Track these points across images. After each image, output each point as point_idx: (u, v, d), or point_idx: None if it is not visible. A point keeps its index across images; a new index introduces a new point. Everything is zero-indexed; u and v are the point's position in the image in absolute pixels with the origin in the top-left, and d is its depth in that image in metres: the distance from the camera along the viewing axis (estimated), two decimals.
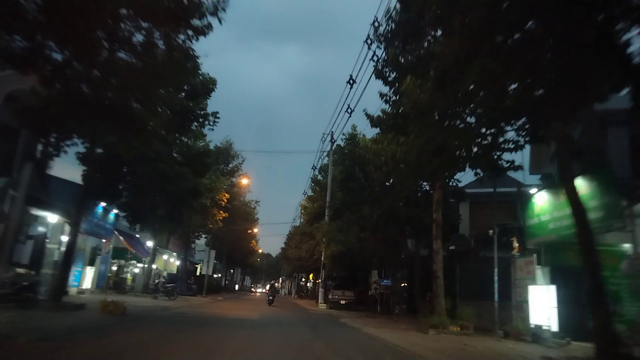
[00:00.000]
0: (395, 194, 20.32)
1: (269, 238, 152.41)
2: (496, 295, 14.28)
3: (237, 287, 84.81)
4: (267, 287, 55.52)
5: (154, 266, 34.39)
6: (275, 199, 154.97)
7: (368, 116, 16.86)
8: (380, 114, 16.59)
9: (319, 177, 35.06)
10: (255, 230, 66.71)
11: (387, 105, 16.57)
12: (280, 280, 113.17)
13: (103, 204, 21.20)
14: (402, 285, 29.85)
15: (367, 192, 22.56)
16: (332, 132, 31.89)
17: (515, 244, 14.34)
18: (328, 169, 34.04)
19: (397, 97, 15.83)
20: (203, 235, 47.13)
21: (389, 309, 28.07)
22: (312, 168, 35.55)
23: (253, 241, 66.47)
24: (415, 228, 22.40)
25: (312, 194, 35.43)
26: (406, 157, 14.09)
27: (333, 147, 30.52)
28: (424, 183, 19.89)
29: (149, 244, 25.74)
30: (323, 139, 32.92)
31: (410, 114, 13.25)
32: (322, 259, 31.92)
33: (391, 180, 17.32)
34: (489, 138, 14.03)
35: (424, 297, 22.57)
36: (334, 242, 28.22)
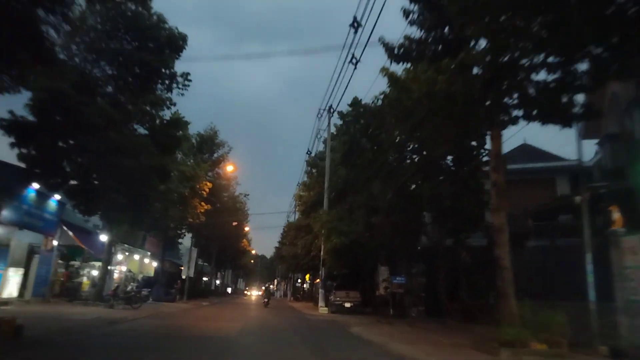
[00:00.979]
0: (419, 163, 15.60)
1: (262, 239, 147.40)
2: (592, 294, 9.51)
3: (229, 290, 79.64)
4: (262, 289, 57.32)
5: (122, 268, 29.41)
6: (268, 202, 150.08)
7: (386, 48, 12.02)
8: (405, 42, 11.78)
9: (316, 159, 30.23)
10: (247, 229, 61.98)
11: (416, 28, 11.76)
12: (276, 282, 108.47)
13: (37, 186, 16.25)
14: (417, 283, 25.08)
15: (377, 164, 17.73)
16: (330, 106, 27.04)
17: (616, 215, 9.58)
18: (325, 155, 29.27)
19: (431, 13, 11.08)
20: (186, 233, 42.23)
21: (404, 311, 23.34)
22: (307, 152, 30.78)
23: (244, 240, 61.48)
24: (440, 210, 17.66)
25: (308, 179, 30.60)
26: (451, 89, 9.37)
27: (333, 113, 25.56)
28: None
29: (103, 238, 20.68)
30: (319, 115, 28.26)
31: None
32: (322, 254, 27.10)
33: (420, 133, 12.42)
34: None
35: (458, 296, 17.89)
36: (335, 234, 23.42)
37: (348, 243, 23.03)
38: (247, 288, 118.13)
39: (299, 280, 75.03)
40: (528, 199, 22.18)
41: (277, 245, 65.42)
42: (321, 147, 32.14)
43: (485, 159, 16.10)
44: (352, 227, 23.27)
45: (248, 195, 44.10)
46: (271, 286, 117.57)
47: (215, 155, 40.97)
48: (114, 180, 17.70)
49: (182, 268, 44.29)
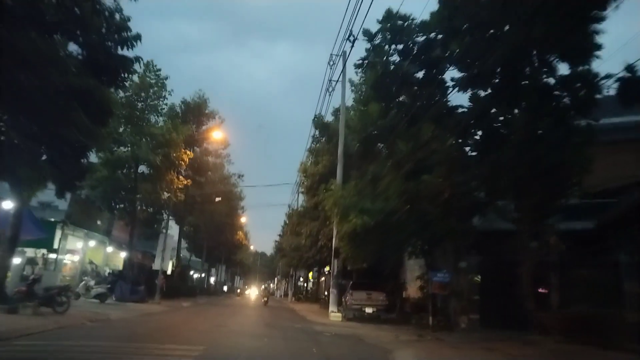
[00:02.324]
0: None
1: (262, 237, 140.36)
2: None
3: (225, 288, 72.88)
4: (263, 287, 53.97)
5: (75, 258, 22.86)
6: (269, 200, 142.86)
7: None
8: None
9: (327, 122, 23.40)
10: (243, 220, 55.33)
11: None
12: (276, 281, 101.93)
13: None
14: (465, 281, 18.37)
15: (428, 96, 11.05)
16: (350, 32, 19.93)
17: None
18: (338, 114, 22.70)
19: None
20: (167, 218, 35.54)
21: (448, 321, 16.81)
22: (314, 118, 24.03)
23: (240, 232, 54.86)
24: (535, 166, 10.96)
25: (316, 147, 23.84)
26: None
27: (354, 42, 18.66)
28: None
29: (6, 205, 13.82)
30: (331, 62, 21.46)
31: None
32: (333, 243, 20.46)
33: None
34: None
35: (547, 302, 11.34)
36: (355, 213, 16.78)
37: (372, 225, 16.37)
38: (245, 287, 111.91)
39: (301, 279, 68.47)
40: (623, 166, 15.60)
41: (277, 239, 58.80)
42: (330, 117, 25.43)
43: None
44: (379, 203, 16.65)
45: (242, 176, 37.50)
46: (271, 285, 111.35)
47: (204, 127, 34.38)
48: (10, 110, 11.05)
49: (174, 264, 37.80)
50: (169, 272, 36.40)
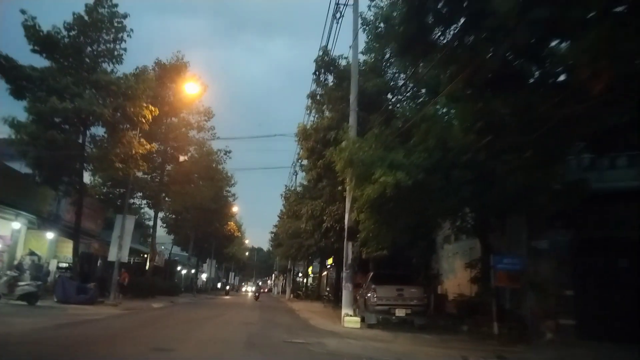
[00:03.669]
0: None
1: (258, 233, 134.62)
2: None
3: (220, 285, 66.70)
4: (258, 284, 54.29)
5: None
6: (264, 201, 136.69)
7: None
8: None
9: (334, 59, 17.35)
10: (235, 209, 49.47)
11: None
12: (273, 277, 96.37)
13: None
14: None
15: None
16: None
17: None
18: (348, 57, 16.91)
19: None
20: (142, 203, 29.75)
21: (524, 329, 11.28)
22: (318, 57, 17.90)
23: (231, 223, 49.05)
24: None
25: (320, 96, 17.93)
26: None
27: None
28: None
29: None
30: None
31: None
32: (347, 220, 14.76)
33: None
34: None
35: None
36: (383, 169, 11.26)
37: (409, 186, 10.78)
38: (242, 284, 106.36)
39: (300, 274, 62.81)
40: None
41: (273, 229, 53.00)
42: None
43: None
44: (417, 155, 11.11)
45: (230, 152, 31.54)
46: (268, 282, 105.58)
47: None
48: None
49: (148, 257, 31.89)
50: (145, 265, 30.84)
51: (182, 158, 28.12)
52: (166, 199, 29.05)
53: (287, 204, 28.85)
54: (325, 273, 44.54)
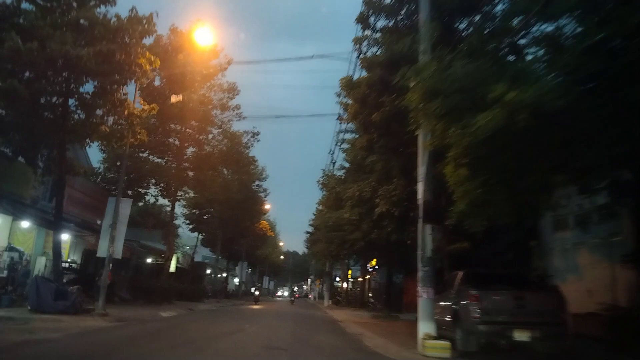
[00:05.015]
0: None
1: (293, 236, 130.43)
2: None
3: (255, 291, 61.80)
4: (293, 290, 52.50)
5: None
6: (296, 214, 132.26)
7: None
8: None
9: None
10: (267, 207, 44.96)
11: None
12: (309, 282, 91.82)
13: None
14: None
15: None
16: None
17: None
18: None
19: None
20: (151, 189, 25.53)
21: None
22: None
23: (263, 221, 44.69)
24: None
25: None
26: None
27: None
28: None
29: None
30: None
31: None
32: (420, 193, 9.70)
33: None
34: None
35: None
36: (505, 85, 6.09)
37: (559, 108, 5.78)
38: (277, 288, 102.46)
39: (338, 278, 57.76)
40: None
41: (309, 229, 48.21)
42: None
43: None
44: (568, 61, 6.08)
45: (258, 134, 26.97)
46: (304, 286, 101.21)
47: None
48: None
49: (165, 256, 27.63)
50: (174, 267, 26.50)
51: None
52: (184, 187, 24.80)
53: (326, 190, 23.97)
54: (367, 277, 39.45)
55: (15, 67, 12.26)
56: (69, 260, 19.41)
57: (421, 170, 9.77)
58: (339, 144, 23.37)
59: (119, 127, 14.04)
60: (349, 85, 13.85)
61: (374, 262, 33.03)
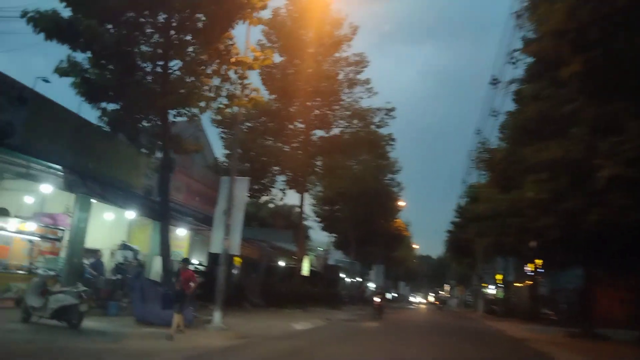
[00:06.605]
0: None
1: (425, 240, 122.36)
2: None
3: (376, 297, 56.83)
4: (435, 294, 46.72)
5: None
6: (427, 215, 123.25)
7: None
8: None
9: None
10: (402, 203, 39.94)
11: None
12: (448, 288, 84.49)
13: None
14: None
15: None
16: None
17: None
18: None
19: None
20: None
21: None
22: None
23: (398, 220, 40.03)
24: None
25: None
26: None
27: None
28: None
29: None
30: None
31: None
32: None
33: None
34: None
35: None
36: None
37: None
38: (411, 294, 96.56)
39: (486, 285, 50.04)
40: None
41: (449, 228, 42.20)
42: None
43: None
44: None
45: (393, 110, 22.50)
46: (440, 292, 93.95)
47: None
48: None
49: (297, 256, 24.52)
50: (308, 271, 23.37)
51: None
52: (312, 177, 21.48)
53: (488, 166, 18.51)
54: (529, 281, 32.22)
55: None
56: (193, 261, 17.06)
57: None
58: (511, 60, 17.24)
59: (227, 83, 10.80)
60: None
61: (539, 261, 26.42)
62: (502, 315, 32.66)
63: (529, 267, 29.88)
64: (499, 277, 42.87)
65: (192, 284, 9.31)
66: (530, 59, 15.28)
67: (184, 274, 9.25)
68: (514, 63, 16.27)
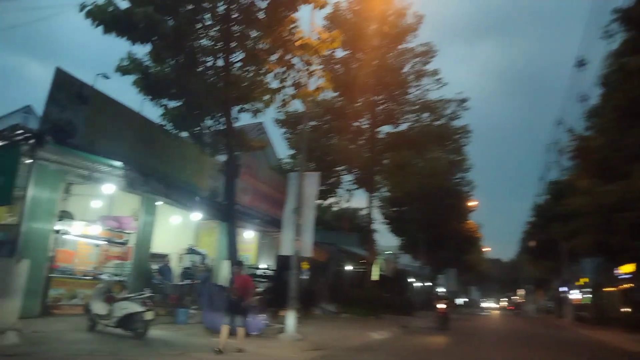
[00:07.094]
0: None
1: (493, 239, 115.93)
2: None
3: (439, 304, 53.50)
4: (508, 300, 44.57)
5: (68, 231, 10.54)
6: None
7: None
8: None
9: None
10: (473, 203, 37.41)
11: None
12: (523, 293, 79.19)
13: None
14: None
15: None
16: None
17: None
18: None
19: None
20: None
21: None
22: None
23: (470, 221, 37.53)
24: None
25: None
26: None
27: None
28: None
29: None
30: None
31: None
32: None
33: None
34: None
35: None
36: None
37: None
38: (480, 299, 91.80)
39: (567, 289, 45.75)
40: None
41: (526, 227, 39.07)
42: None
43: None
44: None
45: (466, 101, 20.76)
46: (513, 297, 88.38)
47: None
48: None
49: (367, 260, 23.25)
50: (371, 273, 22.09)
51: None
52: (379, 177, 20.22)
53: (581, 156, 16.31)
54: (627, 285, 28.71)
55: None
56: (261, 265, 16.32)
57: None
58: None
59: (292, 70, 9.90)
60: None
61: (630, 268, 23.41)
62: (594, 323, 29.39)
63: (620, 270, 26.69)
64: (583, 280, 39.03)
65: (249, 291, 8.34)
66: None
67: (238, 279, 8.31)
68: (611, 36, 14.31)
